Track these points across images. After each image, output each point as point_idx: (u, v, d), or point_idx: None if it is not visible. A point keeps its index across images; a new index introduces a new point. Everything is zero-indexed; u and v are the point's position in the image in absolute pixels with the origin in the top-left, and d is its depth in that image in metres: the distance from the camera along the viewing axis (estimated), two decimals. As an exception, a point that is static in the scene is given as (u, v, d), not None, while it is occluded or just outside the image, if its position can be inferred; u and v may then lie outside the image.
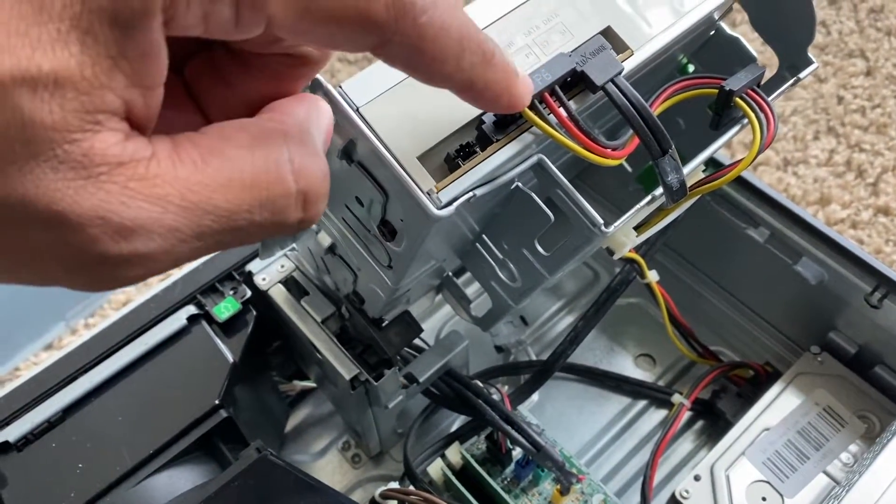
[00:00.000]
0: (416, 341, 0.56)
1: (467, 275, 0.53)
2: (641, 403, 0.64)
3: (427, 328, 0.68)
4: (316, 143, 0.22)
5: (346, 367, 0.49)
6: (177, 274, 0.53)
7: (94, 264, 0.18)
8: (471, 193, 0.32)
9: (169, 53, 0.19)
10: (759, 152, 0.38)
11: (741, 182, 0.57)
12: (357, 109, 0.31)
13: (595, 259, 0.72)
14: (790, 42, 0.43)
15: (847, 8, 1.03)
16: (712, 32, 0.46)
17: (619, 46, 0.35)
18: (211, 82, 0.23)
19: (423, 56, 0.21)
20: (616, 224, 0.36)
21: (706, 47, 0.47)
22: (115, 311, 0.57)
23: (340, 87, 0.31)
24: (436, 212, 0.30)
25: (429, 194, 0.31)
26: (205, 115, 0.23)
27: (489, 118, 0.32)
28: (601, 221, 0.35)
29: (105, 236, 0.17)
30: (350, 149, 0.33)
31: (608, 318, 0.67)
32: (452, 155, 0.32)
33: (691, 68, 0.49)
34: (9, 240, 0.17)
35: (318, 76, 0.30)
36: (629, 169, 0.60)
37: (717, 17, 0.42)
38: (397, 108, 0.32)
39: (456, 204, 0.31)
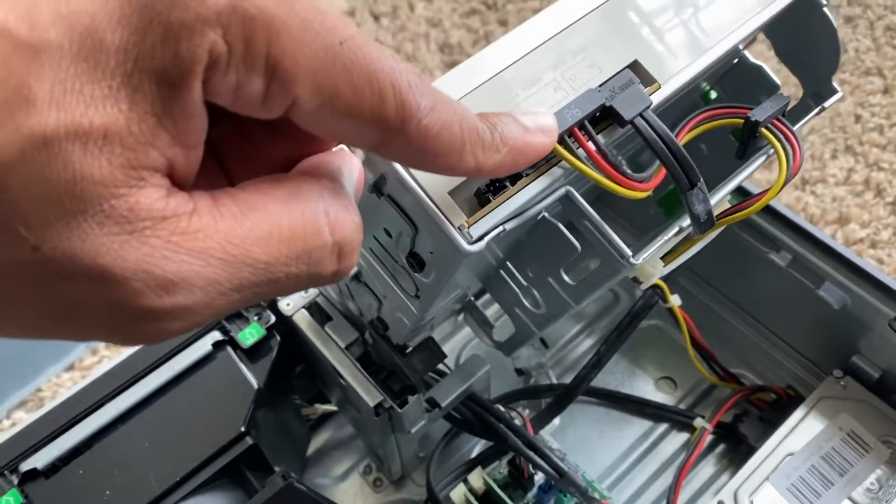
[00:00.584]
0: (439, 365, 0.56)
1: (487, 296, 0.53)
2: (663, 427, 0.64)
3: (447, 350, 0.68)
4: (349, 196, 0.23)
5: (370, 394, 0.49)
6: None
7: (136, 318, 0.18)
8: (501, 228, 0.32)
9: None
10: (786, 183, 0.38)
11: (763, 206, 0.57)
12: (388, 145, 0.31)
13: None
14: (814, 71, 0.43)
15: (863, 26, 1.03)
16: (736, 60, 0.46)
17: (647, 80, 0.35)
18: (237, 145, 0.24)
19: (425, 153, 0.22)
20: (644, 256, 0.36)
21: (729, 74, 0.47)
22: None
23: (372, 123, 0.31)
24: (467, 247, 0.31)
25: (460, 229, 0.31)
26: (228, 176, 0.24)
27: (519, 152, 0.33)
28: (630, 253, 0.35)
29: (148, 290, 0.18)
30: (380, 183, 0.33)
31: (629, 341, 0.67)
32: (483, 189, 0.32)
33: (713, 95, 0.49)
34: (53, 294, 0.18)
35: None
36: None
37: (742, 47, 0.42)
38: (427, 142, 0.32)
39: (487, 239, 0.31)
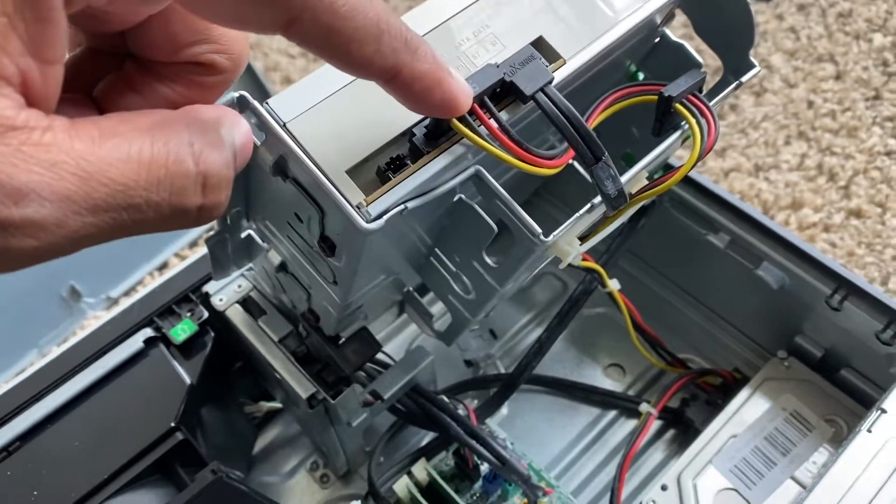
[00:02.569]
0: (383, 358, 0.56)
1: (432, 293, 0.53)
2: (611, 414, 0.64)
3: (396, 345, 0.68)
4: (221, 139, 0.22)
5: (302, 386, 0.49)
6: (133, 297, 0.52)
7: None
8: (402, 206, 0.32)
9: (78, 73, 0.18)
10: (700, 157, 0.38)
11: (699, 188, 0.57)
12: (284, 125, 0.31)
13: (565, 270, 0.72)
14: (732, 47, 0.43)
15: (816, 13, 1.04)
16: (657, 39, 0.46)
17: (551, 56, 0.35)
18: (122, 97, 0.23)
19: (338, 36, 0.21)
20: (556, 233, 0.36)
21: (653, 54, 0.47)
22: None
23: (267, 103, 0.31)
24: (365, 225, 0.30)
25: (358, 208, 0.30)
26: None
27: (420, 130, 0.32)
28: (539, 231, 0.35)
29: None
30: (282, 164, 0.33)
31: (578, 329, 0.67)
32: (383, 168, 0.32)
33: (641, 76, 0.49)
34: None
35: (245, 94, 0.31)
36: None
37: (658, 21, 0.42)
38: (326, 122, 0.32)
39: (386, 217, 0.31)
